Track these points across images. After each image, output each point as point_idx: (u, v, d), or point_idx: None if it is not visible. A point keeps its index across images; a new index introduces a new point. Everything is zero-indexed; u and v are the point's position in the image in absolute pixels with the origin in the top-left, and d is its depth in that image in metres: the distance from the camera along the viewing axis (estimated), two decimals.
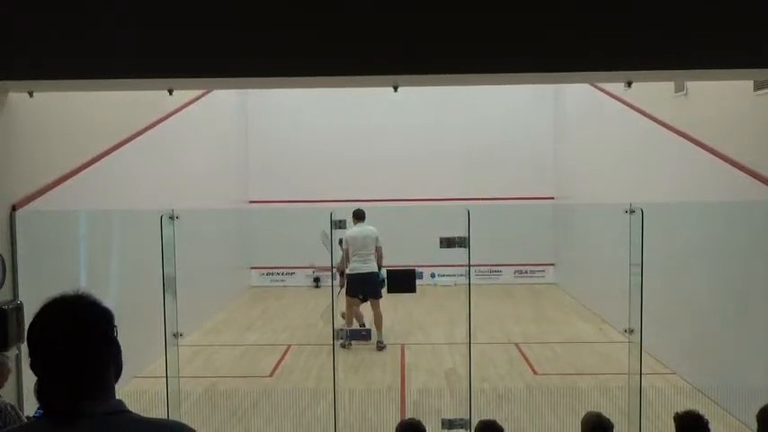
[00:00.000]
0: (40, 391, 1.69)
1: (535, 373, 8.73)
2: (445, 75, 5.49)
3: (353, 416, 7.14)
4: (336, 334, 6.63)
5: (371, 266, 9.49)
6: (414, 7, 5.20)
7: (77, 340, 1.70)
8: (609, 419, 4.43)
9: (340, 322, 9.16)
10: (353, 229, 9.48)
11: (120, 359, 1.80)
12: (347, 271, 9.66)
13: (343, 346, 9.21)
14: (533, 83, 10.26)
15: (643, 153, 9.90)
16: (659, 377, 8.00)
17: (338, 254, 9.26)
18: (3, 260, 5.83)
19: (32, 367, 1.72)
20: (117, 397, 1.77)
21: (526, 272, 15.16)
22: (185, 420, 6.56)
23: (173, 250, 6.27)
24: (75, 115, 7.31)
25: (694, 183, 8.13)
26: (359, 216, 9.64)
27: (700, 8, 5.11)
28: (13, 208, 6.05)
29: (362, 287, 9.54)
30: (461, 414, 6.58)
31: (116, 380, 1.80)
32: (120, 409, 1.73)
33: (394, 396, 7.84)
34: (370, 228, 9.60)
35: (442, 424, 6.47)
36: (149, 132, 9.33)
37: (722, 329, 7.31)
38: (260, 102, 14.85)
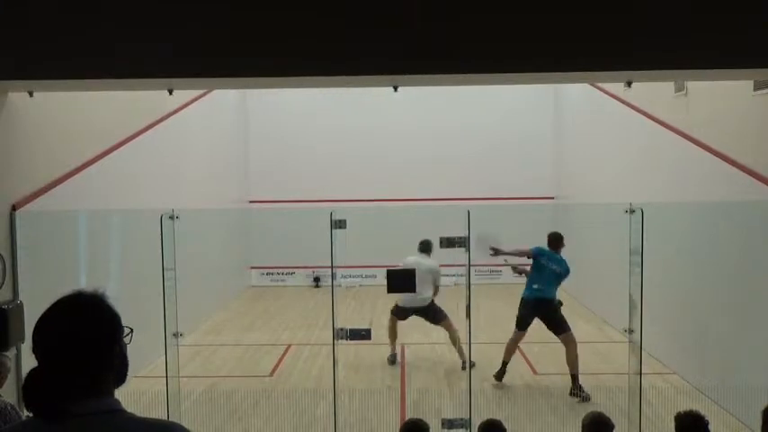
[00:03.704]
0: (30, 389, 1.67)
1: (535, 373, 8.73)
2: (445, 75, 5.49)
3: (353, 416, 7.14)
4: (336, 334, 6.62)
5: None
6: (413, 8, 5.19)
7: (80, 340, 1.69)
8: (610, 419, 4.43)
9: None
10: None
11: (125, 370, 1.79)
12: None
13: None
14: (533, 83, 10.25)
15: (643, 153, 9.90)
16: (659, 377, 8.00)
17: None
18: (3, 260, 5.83)
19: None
20: (115, 396, 1.76)
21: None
22: (185, 420, 6.57)
23: (173, 250, 6.27)
24: (75, 115, 7.31)
25: (694, 182, 8.12)
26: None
27: (700, 8, 5.11)
28: (13, 208, 6.06)
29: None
30: (461, 414, 6.58)
31: (119, 383, 1.78)
32: (116, 407, 1.72)
33: (394, 396, 7.84)
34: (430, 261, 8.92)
35: (442, 424, 6.47)
36: (149, 132, 9.33)
37: (722, 329, 7.31)
38: (260, 102, 14.85)
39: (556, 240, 8.24)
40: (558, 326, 8.02)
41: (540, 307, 8.06)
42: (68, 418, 1.64)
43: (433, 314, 8.94)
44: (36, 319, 1.73)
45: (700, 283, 7.83)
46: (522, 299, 8.23)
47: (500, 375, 8.23)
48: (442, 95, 13.79)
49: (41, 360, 1.69)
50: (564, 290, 14.17)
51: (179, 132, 10.53)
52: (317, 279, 14.87)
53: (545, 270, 8.09)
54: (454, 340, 8.71)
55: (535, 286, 8.12)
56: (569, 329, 8.00)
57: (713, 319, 7.51)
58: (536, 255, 8.14)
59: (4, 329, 5.35)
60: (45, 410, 1.65)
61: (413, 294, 8.17)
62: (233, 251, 13.87)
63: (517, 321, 8.22)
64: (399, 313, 9.06)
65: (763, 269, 6.57)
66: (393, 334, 9.17)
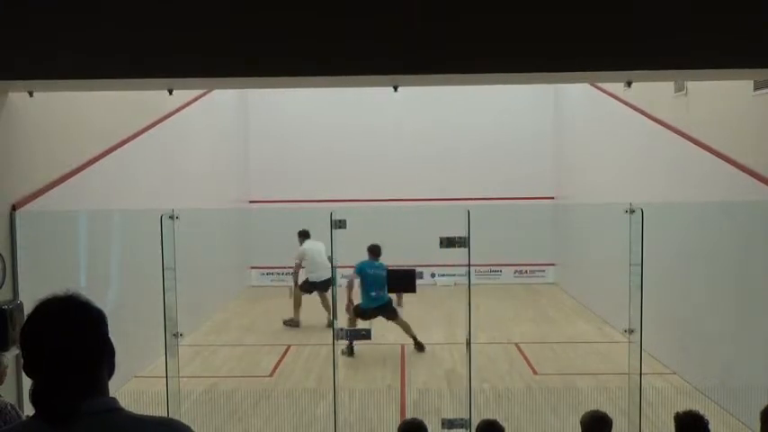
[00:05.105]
0: (36, 394, 1.68)
1: (535, 373, 8.73)
2: (445, 75, 5.49)
3: (353, 416, 7.14)
4: (336, 334, 6.63)
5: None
6: (413, 8, 5.19)
7: (74, 341, 1.69)
8: (606, 414, 4.45)
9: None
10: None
11: (114, 359, 1.80)
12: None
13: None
14: (533, 83, 10.26)
15: (643, 153, 9.90)
16: (659, 377, 8.00)
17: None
18: (3, 260, 5.83)
19: (25, 369, 1.72)
20: (112, 395, 1.77)
21: (526, 272, 15.15)
22: (185, 420, 6.55)
23: (173, 250, 6.27)
24: (75, 115, 7.31)
25: (694, 182, 8.12)
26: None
27: (700, 8, 5.11)
28: (13, 208, 6.05)
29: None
30: (461, 414, 6.58)
31: (108, 379, 1.80)
32: (114, 406, 1.73)
33: (394, 396, 7.84)
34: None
35: (442, 424, 6.47)
36: (149, 132, 9.33)
37: (722, 329, 7.31)
38: (260, 102, 14.84)
39: (376, 250, 9.63)
40: (394, 316, 9.47)
41: (382, 310, 9.42)
42: (73, 419, 1.65)
43: (327, 289, 10.56)
44: None
45: (700, 283, 7.83)
46: (365, 309, 9.42)
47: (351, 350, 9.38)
48: (442, 95, 13.78)
49: (41, 366, 1.69)
50: (564, 290, 14.26)
51: (179, 132, 10.52)
52: None
53: (373, 278, 9.29)
54: (326, 307, 10.59)
55: (373, 294, 9.35)
56: (399, 314, 9.53)
57: (713, 319, 7.51)
58: (360, 272, 9.44)
59: (4, 329, 5.35)
60: (57, 413, 1.66)
61: (320, 274, 10.78)
62: (233, 251, 13.86)
63: (358, 314, 9.46)
64: (308, 288, 11.12)
65: (763, 269, 6.57)
66: (299, 304, 11.20)
